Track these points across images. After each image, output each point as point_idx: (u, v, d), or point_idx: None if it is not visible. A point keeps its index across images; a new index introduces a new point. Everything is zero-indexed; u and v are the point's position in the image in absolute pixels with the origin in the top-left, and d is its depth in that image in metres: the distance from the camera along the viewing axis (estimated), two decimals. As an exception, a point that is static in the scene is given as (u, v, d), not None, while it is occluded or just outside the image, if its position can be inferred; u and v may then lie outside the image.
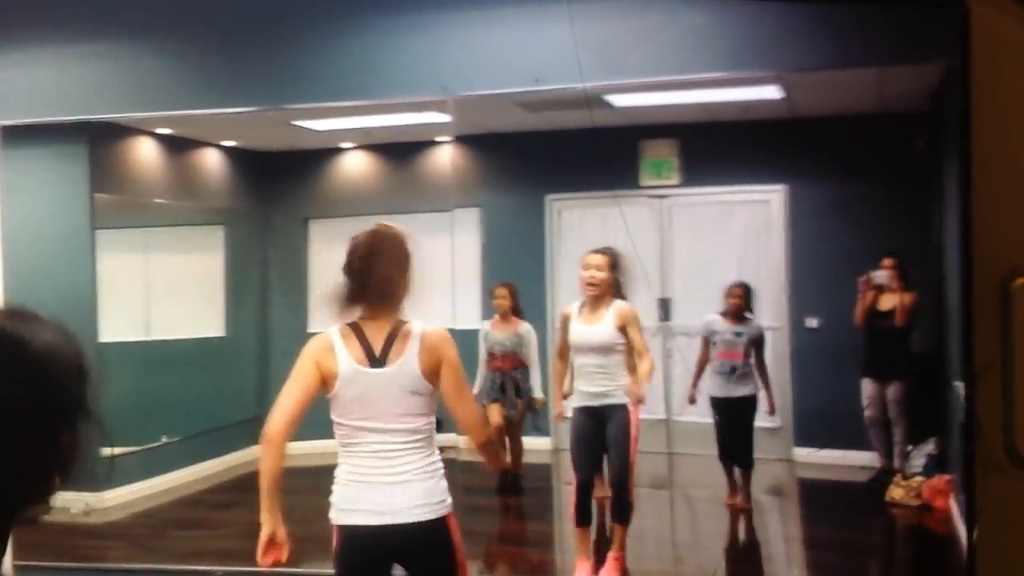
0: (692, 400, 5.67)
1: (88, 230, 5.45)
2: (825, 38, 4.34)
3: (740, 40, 4.54)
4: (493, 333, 5.86)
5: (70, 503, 5.44)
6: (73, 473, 1.27)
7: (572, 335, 4.62)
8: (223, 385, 6.94)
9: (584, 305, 4.62)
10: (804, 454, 5.80)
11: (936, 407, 5.22)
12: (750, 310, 5.55)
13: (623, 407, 4.55)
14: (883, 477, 5.55)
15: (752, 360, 5.50)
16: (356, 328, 3.09)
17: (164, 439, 6.40)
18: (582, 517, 4.67)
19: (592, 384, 4.58)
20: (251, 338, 7.07)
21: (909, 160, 5.38)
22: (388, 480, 3.06)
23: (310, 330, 7.07)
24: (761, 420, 5.67)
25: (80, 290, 5.34)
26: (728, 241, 6.06)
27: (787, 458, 5.86)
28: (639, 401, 4.57)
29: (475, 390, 5.54)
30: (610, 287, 4.60)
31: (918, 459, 5.49)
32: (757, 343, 5.53)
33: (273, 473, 3.15)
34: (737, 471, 5.53)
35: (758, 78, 4.92)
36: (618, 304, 4.59)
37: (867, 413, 5.60)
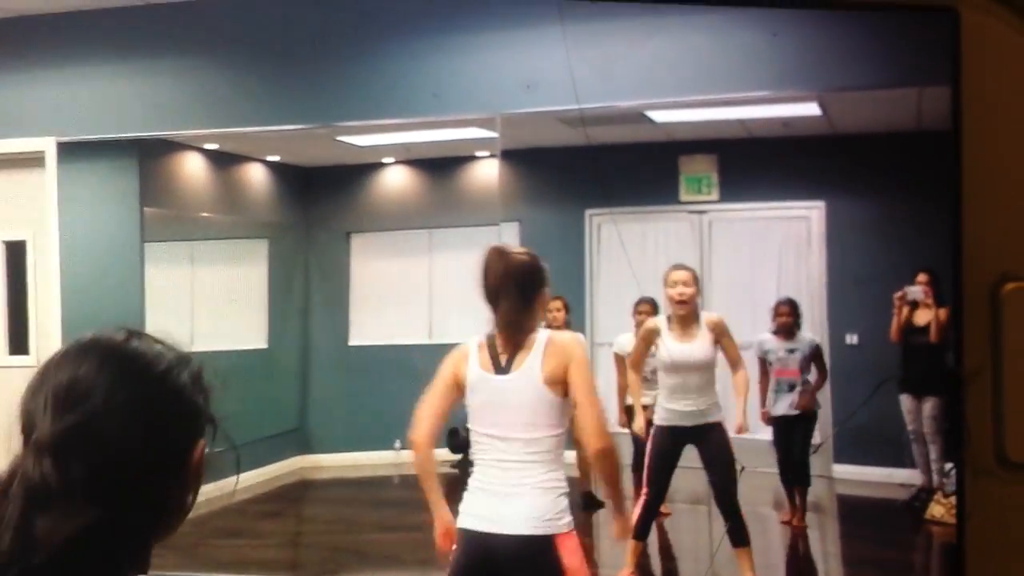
0: (767, 420, 5.56)
1: (138, 243, 5.55)
2: (865, 57, 4.36)
3: (780, 59, 4.56)
4: None
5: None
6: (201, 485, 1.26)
7: (669, 353, 4.57)
8: (265, 396, 7.01)
9: (673, 321, 4.59)
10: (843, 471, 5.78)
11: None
12: (799, 326, 5.53)
13: (719, 426, 4.52)
14: (923, 494, 5.52)
15: (810, 376, 5.49)
16: (490, 338, 3.12)
17: (207, 449, 6.49)
18: (643, 532, 4.63)
19: (686, 403, 4.52)
20: (293, 350, 7.14)
21: (947, 178, 5.36)
22: (503, 491, 3.05)
23: (351, 343, 7.15)
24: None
25: (129, 301, 5.44)
26: (767, 257, 6.07)
27: (827, 475, 5.84)
28: (742, 430, 4.57)
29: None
30: (695, 302, 4.59)
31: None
32: (813, 357, 5.51)
33: (428, 473, 3.22)
34: (796, 489, 5.49)
35: (798, 96, 4.94)
36: (706, 316, 4.59)
37: (909, 428, 5.57)
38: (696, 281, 4.61)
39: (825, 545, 5.83)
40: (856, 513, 5.96)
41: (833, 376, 5.82)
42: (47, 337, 5.36)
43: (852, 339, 5.84)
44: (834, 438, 5.81)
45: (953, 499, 5.33)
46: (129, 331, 1.21)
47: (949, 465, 5.49)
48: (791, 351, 5.48)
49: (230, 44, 5.15)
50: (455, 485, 6.34)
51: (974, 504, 1.64)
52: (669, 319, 4.62)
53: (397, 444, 6.79)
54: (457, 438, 6.32)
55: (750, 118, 5.60)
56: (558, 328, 5.74)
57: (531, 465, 3.03)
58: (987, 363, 1.62)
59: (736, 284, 6.09)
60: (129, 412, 1.15)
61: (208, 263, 7.11)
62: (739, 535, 4.56)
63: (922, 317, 5.47)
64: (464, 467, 6.32)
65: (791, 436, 5.46)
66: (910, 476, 5.63)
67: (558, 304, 5.81)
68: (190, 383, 1.23)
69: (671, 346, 4.55)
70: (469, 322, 6.42)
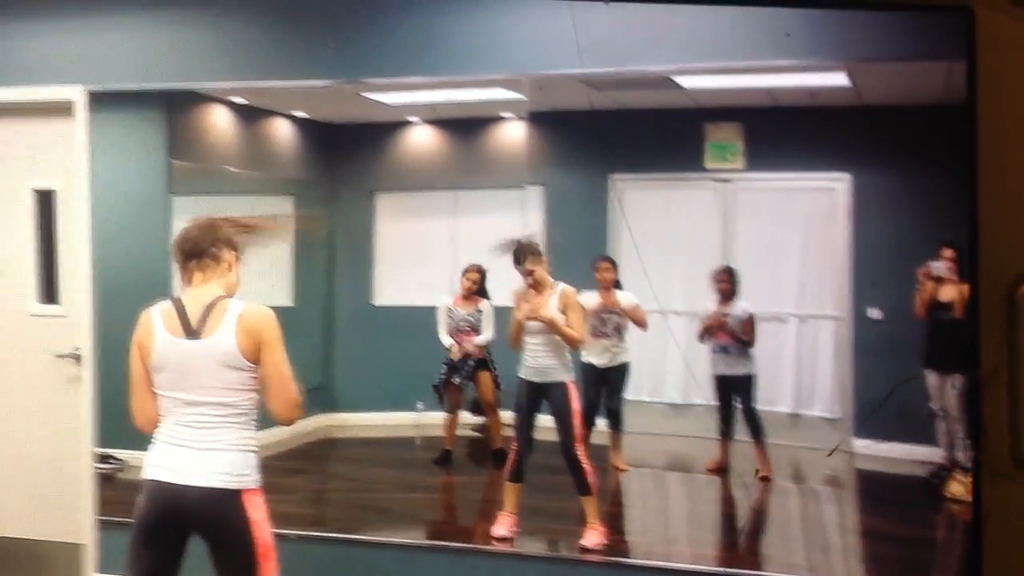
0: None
1: (165, 195, 5.58)
2: (894, 28, 4.31)
3: (809, 28, 4.52)
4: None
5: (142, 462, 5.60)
6: None
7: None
8: (290, 354, 7.05)
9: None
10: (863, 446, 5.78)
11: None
12: (735, 293, 5.85)
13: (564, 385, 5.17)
14: (943, 472, 5.50)
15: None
16: (177, 301, 3.35)
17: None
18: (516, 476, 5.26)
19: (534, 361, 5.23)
20: (317, 309, 7.18)
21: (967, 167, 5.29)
22: (195, 446, 3.25)
23: (375, 302, 7.18)
24: (821, 411, 5.70)
25: (156, 254, 5.47)
26: (791, 228, 6.03)
27: (847, 449, 5.83)
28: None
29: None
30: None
31: (978, 453, 5.43)
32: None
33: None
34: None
35: (825, 65, 4.89)
36: (563, 287, 5.15)
37: (934, 406, 5.55)
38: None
39: (843, 519, 5.84)
40: (875, 488, 5.96)
41: (856, 351, 5.81)
42: (76, 286, 5.42)
43: (875, 313, 5.81)
44: (853, 413, 5.80)
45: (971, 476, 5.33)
46: None
47: (970, 441, 5.47)
48: (724, 316, 5.78)
49: (259, -1, 5.16)
50: (477, 447, 6.43)
51: (991, 503, 1.63)
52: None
53: (420, 405, 6.84)
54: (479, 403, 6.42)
55: (777, 87, 5.55)
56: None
57: (225, 426, 3.25)
58: (1003, 364, 1.60)
59: (759, 254, 6.07)
60: None
61: (234, 218, 7.13)
62: (580, 486, 5.04)
63: (947, 293, 5.42)
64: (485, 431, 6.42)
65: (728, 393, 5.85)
66: (930, 453, 5.61)
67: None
68: None
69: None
70: (492, 284, 6.50)
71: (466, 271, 6.44)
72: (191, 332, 3.26)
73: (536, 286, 5.14)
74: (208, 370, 3.23)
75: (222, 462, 3.22)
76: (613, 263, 5.89)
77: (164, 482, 3.23)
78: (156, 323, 3.30)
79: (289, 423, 3.42)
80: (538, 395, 5.14)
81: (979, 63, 1.62)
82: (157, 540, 3.27)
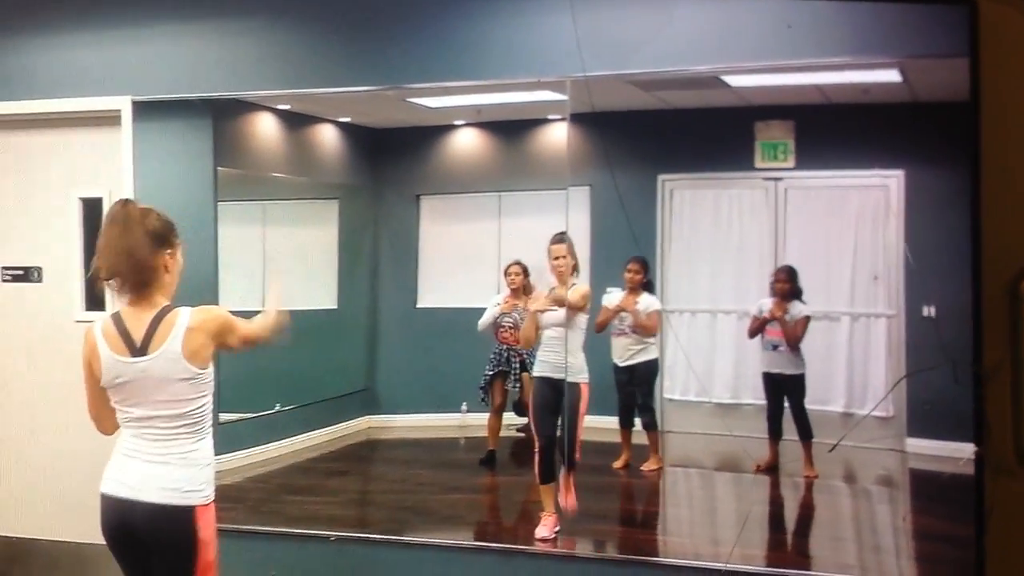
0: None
1: (211, 202, 5.60)
2: (946, 24, 4.23)
3: (860, 25, 4.45)
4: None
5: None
6: None
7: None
8: (334, 357, 7.09)
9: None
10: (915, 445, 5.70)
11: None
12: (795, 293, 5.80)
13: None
14: (999, 470, 5.42)
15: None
16: (115, 317, 3.16)
17: (278, 407, 6.58)
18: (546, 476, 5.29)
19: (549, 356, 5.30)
20: (362, 311, 7.20)
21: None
22: (147, 460, 3.11)
23: (419, 305, 7.19)
24: (873, 409, 5.64)
25: (203, 260, 5.50)
26: (843, 226, 5.96)
27: (899, 448, 5.76)
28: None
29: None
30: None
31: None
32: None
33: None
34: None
35: (878, 62, 4.82)
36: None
37: (990, 403, 5.47)
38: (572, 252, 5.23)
39: (896, 519, 5.77)
40: (928, 488, 5.87)
41: (909, 349, 5.73)
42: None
43: (928, 311, 5.72)
44: (907, 412, 5.72)
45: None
46: None
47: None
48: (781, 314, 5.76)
49: (303, 4, 5.16)
50: (521, 447, 6.41)
51: (994, 501, 1.59)
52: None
53: (464, 407, 6.84)
54: (523, 404, 6.43)
55: (828, 84, 5.48)
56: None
57: (178, 438, 3.11)
58: (1007, 360, 1.57)
59: (811, 253, 6.01)
60: None
61: (280, 223, 7.18)
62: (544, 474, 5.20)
63: (1004, 291, 5.35)
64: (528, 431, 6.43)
65: (778, 392, 5.82)
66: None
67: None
68: None
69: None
70: (537, 286, 6.46)
71: (507, 268, 6.51)
72: (136, 350, 3.09)
73: (560, 275, 5.20)
74: (157, 386, 3.08)
75: (173, 477, 3.09)
76: (643, 264, 5.92)
77: (115, 496, 3.11)
78: (99, 343, 3.13)
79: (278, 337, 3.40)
80: (554, 392, 5.17)
81: (982, 56, 1.58)
82: (121, 553, 3.18)
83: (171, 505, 3.08)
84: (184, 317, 3.13)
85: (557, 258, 5.20)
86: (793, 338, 5.75)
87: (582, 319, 5.23)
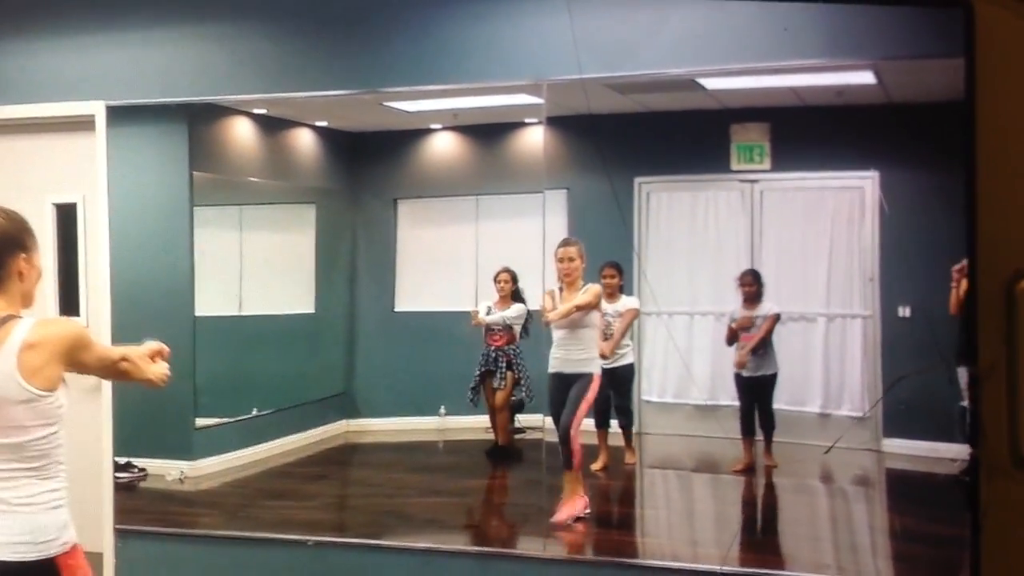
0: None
1: (187, 206, 5.58)
2: (920, 25, 4.27)
3: (834, 27, 4.48)
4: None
5: (166, 470, 5.62)
6: None
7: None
8: (312, 361, 7.09)
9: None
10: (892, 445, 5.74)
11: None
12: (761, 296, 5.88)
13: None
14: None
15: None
16: None
17: (255, 411, 6.57)
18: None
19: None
20: (339, 315, 7.19)
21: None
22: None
23: (397, 309, 7.18)
24: (850, 410, 5.68)
25: (178, 265, 5.49)
26: (819, 228, 6.01)
27: (875, 448, 5.79)
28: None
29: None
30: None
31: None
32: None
33: None
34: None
35: (852, 64, 4.85)
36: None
37: (967, 402, 5.50)
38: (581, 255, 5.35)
39: (872, 519, 5.81)
40: (904, 487, 5.92)
41: (884, 349, 5.77)
42: (97, 298, 5.43)
43: (904, 311, 5.77)
44: (883, 412, 5.76)
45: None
46: None
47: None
48: (750, 319, 5.83)
49: (279, 9, 5.15)
50: (496, 448, 6.42)
51: (989, 503, 1.60)
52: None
53: (442, 410, 6.84)
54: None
55: (803, 86, 5.51)
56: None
57: (19, 476, 2.63)
58: (1001, 361, 1.58)
59: (787, 254, 6.05)
60: None
61: (257, 228, 7.16)
62: (567, 461, 5.27)
63: (982, 290, 5.37)
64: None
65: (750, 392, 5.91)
66: (960, 450, 5.56)
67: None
68: None
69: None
70: (531, 288, 6.47)
71: (496, 275, 6.56)
72: None
73: (569, 277, 5.32)
74: None
75: (22, 528, 2.59)
76: (618, 269, 5.96)
77: None
78: None
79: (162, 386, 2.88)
80: (567, 386, 5.31)
81: (977, 57, 1.60)
82: None
83: (27, 562, 2.59)
84: (22, 330, 2.63)
85: (564, 260, 5.33)
86: (761, 341, 5.80)
87: (594, 316, 5.41)
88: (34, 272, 2.79)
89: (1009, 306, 1.56)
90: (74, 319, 2.71)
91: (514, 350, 6.52)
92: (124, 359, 2.82)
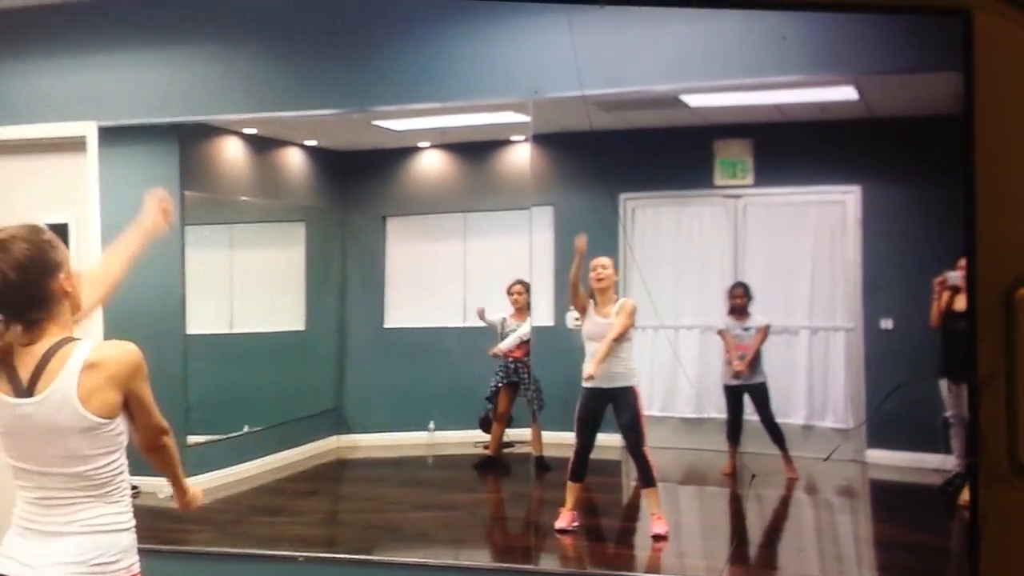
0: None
1: (178, 226, 5.61)
2: (902, 40, 4.33)
3: (816, 43, 4.54)
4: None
5: (157, 487, 5.63)
6: None
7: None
8: (302, 377, 7.10)
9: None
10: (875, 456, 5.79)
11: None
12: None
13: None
14: (958, 480, 5.49)
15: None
16: (7, 349, 2.49)
17: (246, 428, 6.58)
18: (577, 475, 5.45)
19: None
20: (330, 332, 7.21)
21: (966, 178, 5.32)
22: (45, 531, 2.49)
23: (387, 325, 7.21)
24: (833, 422, 5.73)
25: (170, 284, 5.52)
26: (802, 242, 6.06)
27: (859, 459, 5.83)
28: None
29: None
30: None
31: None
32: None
33: None
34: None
35: (834, 79, 4.91)
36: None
37: (950, 413, 5.55)
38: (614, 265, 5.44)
39: (857, 529, 5.84)
40: (888, 498, 5.95)
41: (867, 361, 5.82)
42: (88, 318, 5.44)
43: (887, 324, 5.82)
44: (867, 423, 5.81)
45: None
46: None
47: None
48: (746, 329, 5.94)
49: (268, 30, 5.20)
50: (488, 463, 6.45)
51: (988, 510, 1.63)
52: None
53: (431, 425, 6.86)
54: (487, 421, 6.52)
55: (786, 102, 5.57)
56: (519, 309, 5.95)
57: (79, 502, 2.49)
58: (1000, 368, 1.60)
59: (771, 268, 6.10)
60: None
61: (247, 246, 7.19)
62: (646, 479, 5.32)
63: (962, 303, 5.43)
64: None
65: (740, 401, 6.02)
66: (943, 461, 5.60)
67: (519, 288, 6.03)
68: None
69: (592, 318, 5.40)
70: (504, 305, 6.52)
71: (510, 288, 6.54)
72: (21, 390, 2.45)
73: (602, 283, 5.38)
74: (46, 436, 2.44)
75: (79, 548, 2.45)
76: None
77: None
78: None
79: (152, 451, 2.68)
80: (603, 400, 5.32)
81: (976, 66, 1.63)
82: None
83: None
84: (83, 350, 2.47)
85: (597, 268, 5.37)
86: (754, 351, 5.86)
87: (630, 330, 5.41)
88: (76, 278, 2.61)
89: (1008, 314, 1.58)
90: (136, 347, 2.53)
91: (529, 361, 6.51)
92: (167, 433, 2.66)
